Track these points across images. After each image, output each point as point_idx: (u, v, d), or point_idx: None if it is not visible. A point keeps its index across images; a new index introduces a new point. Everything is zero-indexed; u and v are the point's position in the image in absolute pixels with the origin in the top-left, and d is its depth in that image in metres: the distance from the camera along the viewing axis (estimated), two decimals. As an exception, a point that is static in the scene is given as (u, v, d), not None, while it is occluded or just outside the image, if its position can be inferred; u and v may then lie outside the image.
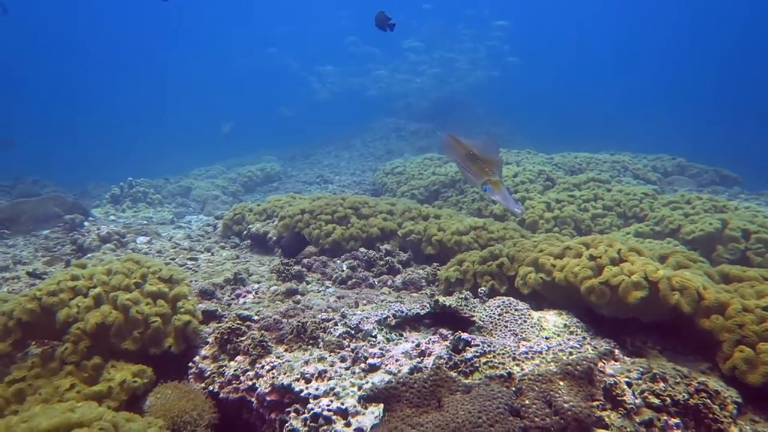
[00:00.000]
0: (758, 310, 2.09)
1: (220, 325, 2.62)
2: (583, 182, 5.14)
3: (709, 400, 1.92)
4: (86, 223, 5.35)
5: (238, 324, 2.57)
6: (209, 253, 4.16)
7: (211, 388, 2.32)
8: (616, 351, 2.24)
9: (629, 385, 2.00)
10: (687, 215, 4.09)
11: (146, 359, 2.44)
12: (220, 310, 2.86)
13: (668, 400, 1.92)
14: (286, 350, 2.45)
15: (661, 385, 2.00)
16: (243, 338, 2.50)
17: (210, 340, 2.57)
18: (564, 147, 8.71)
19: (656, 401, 1.92)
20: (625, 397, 1.89)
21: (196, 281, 3.34)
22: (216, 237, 4.72)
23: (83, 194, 9.16)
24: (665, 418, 1.89)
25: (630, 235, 4.07)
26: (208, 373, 2.39)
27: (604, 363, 2.14)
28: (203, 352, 2.52)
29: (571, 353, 2.16)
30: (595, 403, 1.87)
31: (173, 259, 3.89)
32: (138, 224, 5.39)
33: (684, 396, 1.94)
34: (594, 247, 2.58)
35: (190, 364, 2.47)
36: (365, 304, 2.97)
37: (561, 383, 1.90)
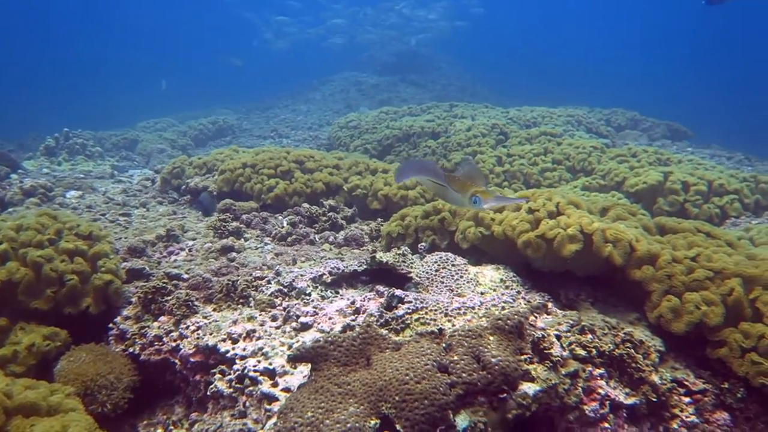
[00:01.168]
0: (687, 261, 2.09)
1: (145, 284, 2.48)
2: (535, 136, 5.09)
3: (633, 350, 1.94)
4: (14, 176, 5.01)
5: (164, 283, 2.43)
6: (144, 209, 3.94)
7: (131, 350, 2.21)
8: (550, 304, 2.22)
9: (558, 337, 1.99)
10: (632, 168, 4.11)
11: (64, 321, 2.30)
12: (147, 268, 2.72)
13: (594, 351, 1.93)
14: (214, 310, 2.34)
15: (589, 336, 2.00)
16: (169, 298, 2.37)
17: (134, 300, 2.43)
18: (527, 101, 8.64)
19: (583, 353, 1.93)
20: (552, 350, 1.88)
21: (126, 238, 3.16)
22: (154, 192, 4.48)
23: (21, 146, 8.59)
24: (590, 368, 1.89)
25: (577, 189, 4.07)
26: (130, 334, 2.26)
27: (536, 317, 2.12)
28: (125, 312, 2.38)
29: (503, 308, 2.13)
30: (523, 357, 1.84)
31: (104, 215, 3.66)
32: (72, 178, 5.07)
33: (610, 347, 1.95)
34: (533, 200, 2.53)
35: (111, 325, 2.34)
36: (303, 262, 2.87)
37: (491, 338, 1.87)
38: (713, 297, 1.94)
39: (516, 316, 1.94)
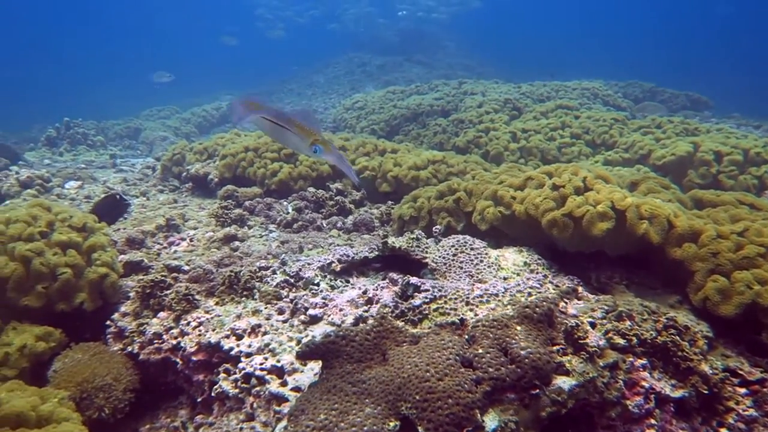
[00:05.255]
0: (734, 237, 1.89)
1: (143, 277, 2.32)
2: (550, 110, 4.84)
3: (678, 337, 1.75)
4: (14, 168, 4.87)
5: (162, 276, 2.27)
6: (144, 198, 3.78)
7: (130, 348, 2.06)
8: (580, 288, 2.04)
9: (593, 325, 1.81)
10: (658, 140, 3.87)
11: (58, 320, 2.15)
12: (146, 260, 2.56)
13: (634, 339, 1.74)
14: (216, 304, 2.18)
15: (627, 323, 1.82)
16: (168, 292, 2.21)
17: (132, 294, 2.27)
18: (536, 79, 8.34)
19: (621, 342, 1.74)
20: (587, 340, 1.69)
21: (124, 229, 3.00)
22: (154, 180, 4.32)
23: (25, 138, 8.47)
24: (631, 359, 1.71)
25: (598, 164, 3.85)
26: (128, 332, 2.11)
27: (566, 302, 1.94)
28: (123, 308, 2.23)
29: (530, 294, 1.95)
30: (555, 348, 1.67)
31: (102, 206, 3.50)
32: (72, 168, 4.93)
33: (651, 334, 1.76)
34: (557, 176, 2.33)
35: (108, 322, 2.19)
36: (310, 249, 2.70)
37: (518, 328, 1.70)
38: (767, 275, 1.74)
39: (545, 303, 1.76)
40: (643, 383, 1.65)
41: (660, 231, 1.98)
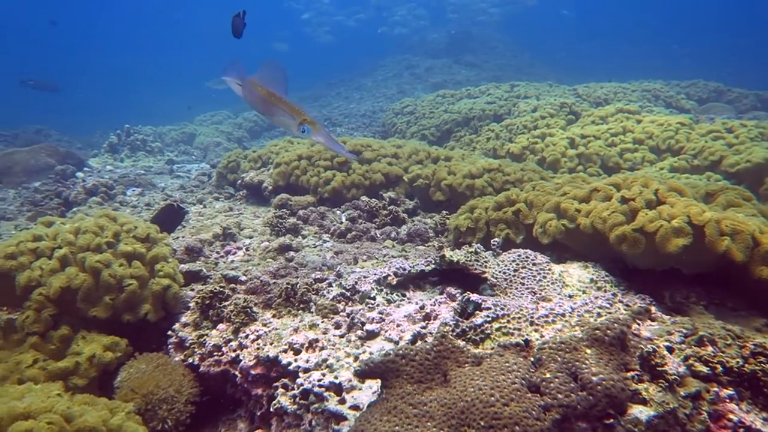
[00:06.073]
0: (831, 258, 1.72)
1: (202, 288, 2.36)
2: (610, 114, 4.64)
3: (768, 366, 1.61)
4: (80, 174, 5.10)
5: (220, 287, 2.30)
6: (201, 205, 3.87)
7: (191, 360, 2.08)
8: (653, 308, 1.91)
9: (670, 350, 1.68)
10: (730, 145, 3.63)
11: (122, 328, 2.21)
12: (205, 270, 2.60)
13: (719, 367, 1.61)
14: (273, 316, 2.18)
15: (710, 349, 1.68)
16: (227, 303, 2.23)
17: (192, 305, 2.31)
18: (590, 78, 8.06)
19: (704, 369, 1.61)
20: (666, 366, 1.58)
21: (183, 237, 3.07)
22: (210, 187, 4.42)
23: (88, 144, 8.91)
24: (715, 389, 1.58)
25: (665, 171, 3.64)
26: (189, 342, 2.15)
27: (639, 324, 1.82)
28: (184, 318, 2.27)
29: (599, 314, 1.84)
30: (629, 374, 1.56)
31: (162, 214, 3.61)
32: (134, 174, 5.12)
33: (738, 362, 1.63)
34: (626, 187, 2.21)
35: (170, 332, 2.23)
36: (365, 260, 2.67)
37: (588, 351, 1.60)
38: None
39: (616, 325, 1.65)
40: (731, 416, 1.52)
41: (744, 248, 1.83)
